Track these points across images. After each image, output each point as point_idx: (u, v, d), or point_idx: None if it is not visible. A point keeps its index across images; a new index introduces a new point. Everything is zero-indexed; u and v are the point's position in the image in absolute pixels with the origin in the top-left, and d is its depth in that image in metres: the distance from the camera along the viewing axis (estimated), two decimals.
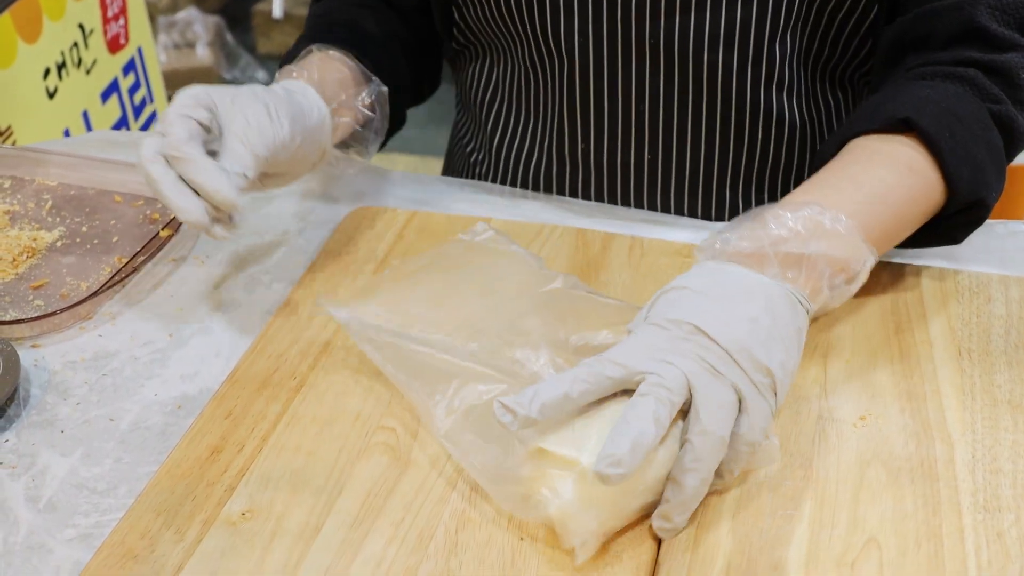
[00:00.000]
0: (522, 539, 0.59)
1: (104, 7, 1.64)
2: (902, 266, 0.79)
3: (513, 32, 0.88)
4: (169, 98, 1.95)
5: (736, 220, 0.67)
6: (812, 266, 0.64)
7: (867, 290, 0.76)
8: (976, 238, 0.82)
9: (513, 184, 0.96)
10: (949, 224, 0.74)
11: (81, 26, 1.58)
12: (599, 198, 0.93)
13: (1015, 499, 0.60)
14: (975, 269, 0.79)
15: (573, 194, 0.94)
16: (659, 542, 0.59)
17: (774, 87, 0.85)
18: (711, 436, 0.57)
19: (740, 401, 0.59)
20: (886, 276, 0.78)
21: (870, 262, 0.67)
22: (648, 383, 0.57)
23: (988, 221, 0.82)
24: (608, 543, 0.59)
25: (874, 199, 0.69)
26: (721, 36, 0.82)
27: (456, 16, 0.91)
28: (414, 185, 0.92)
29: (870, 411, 0.67)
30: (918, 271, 0.78)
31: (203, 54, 2.94)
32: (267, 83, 0.81)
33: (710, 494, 0.61)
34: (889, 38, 0.80)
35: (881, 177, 0.70)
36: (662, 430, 0.55)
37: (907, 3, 0.80)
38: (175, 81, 2.88)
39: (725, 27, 0.82)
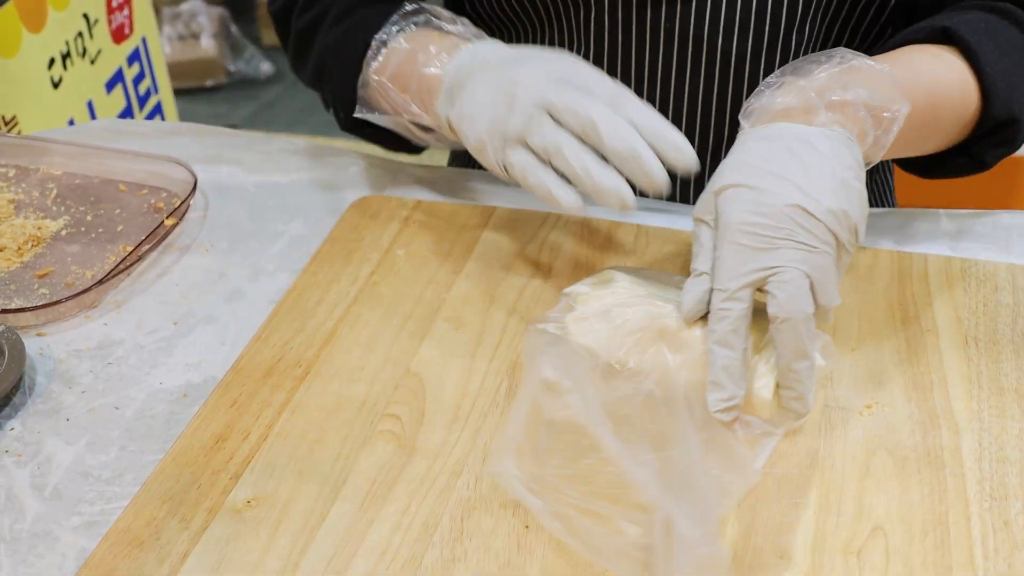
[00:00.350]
0: (527, 527, 0.59)
1: None
2: (909, 255, 0.78)
3: (524, 17, 0.87)
4: (174, 90, 1.94)
5: (770, 79, 0.66)
6: (855, 111, 0.64)
7: (873, 279, 0.76)
8: (983, 227, 0.81)
9: None
10: (981, 146, 0.74)
11: (85, 16, 1.58)
12: None
13: (1022, 487, 0.60)
14: (982, 258, 0.78)
15: None
16: None
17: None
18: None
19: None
20: (892, 264, 0.77)
21: (905, 108, 0.65)
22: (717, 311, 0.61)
23: (993, 210, 0.82)
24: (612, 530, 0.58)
25: (912, 75, 0.70)
26: (737, 22, 0.82)
27: (466, 1, 0.91)
28: (419, 174, 0.92)
29: (876, 400, 0.66)
30: (924, 259, 0.78)
31: (208, 45, 2.94)
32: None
33: None
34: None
35: (920, 63, 0.71)
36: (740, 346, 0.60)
37: None
38: (179, 72, 2.89)
39: (741, 13, 0.81)
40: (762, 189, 0.61)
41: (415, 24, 0.80)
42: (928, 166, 0.79)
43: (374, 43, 0.80)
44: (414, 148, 0.86)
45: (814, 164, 0.62)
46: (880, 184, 1.00)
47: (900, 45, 0.75)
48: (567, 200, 0.66)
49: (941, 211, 0.84)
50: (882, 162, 1.00)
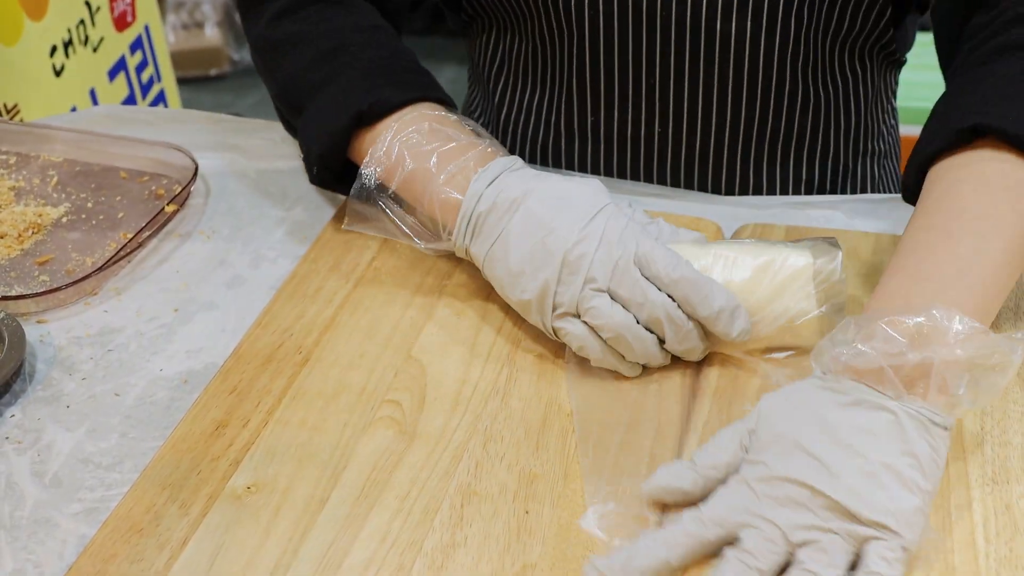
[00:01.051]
0: (527, 512, 0.59)
1: None
2: None
3: (523, 2, 0.87)
4: (177, 79, 1.93)
5: (846, 325, 0.59)
6: (939, 373, 0.56)
7: (874, 263, 0.76)
8: None
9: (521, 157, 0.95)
10: None
11: (88, 3, 1.58)
12: (607, 171, 0.92)
13: None
14: None
15: (582, 168, 0.93)
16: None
17: (788, 60, 0.84)
18: None
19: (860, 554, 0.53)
20: (892, 247, 0.77)
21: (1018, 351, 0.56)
22: (736, 549, 0.53)
23: None
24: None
25: (984, 272, 0.61)
26: (735, 5, 0.81)
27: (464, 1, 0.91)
28: None
29: None
30: None
31: (212, 34, 2.94)
32: None
33: None
34: (945, 10, 0.77)
35: (982, 235, 0.62)
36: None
37: None
38: (183, 61, 2.89)
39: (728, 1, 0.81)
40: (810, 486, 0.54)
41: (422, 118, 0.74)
42: None
43: (370, 125, 0.74)
44: None
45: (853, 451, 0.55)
46: (888, 171, 0.99)
47: (936, 154, 0.67)
48: (632, 374, 0.67)
49: None
50: (891, 149, 0.99)
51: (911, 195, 0.70)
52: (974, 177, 0.65)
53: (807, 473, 0.54)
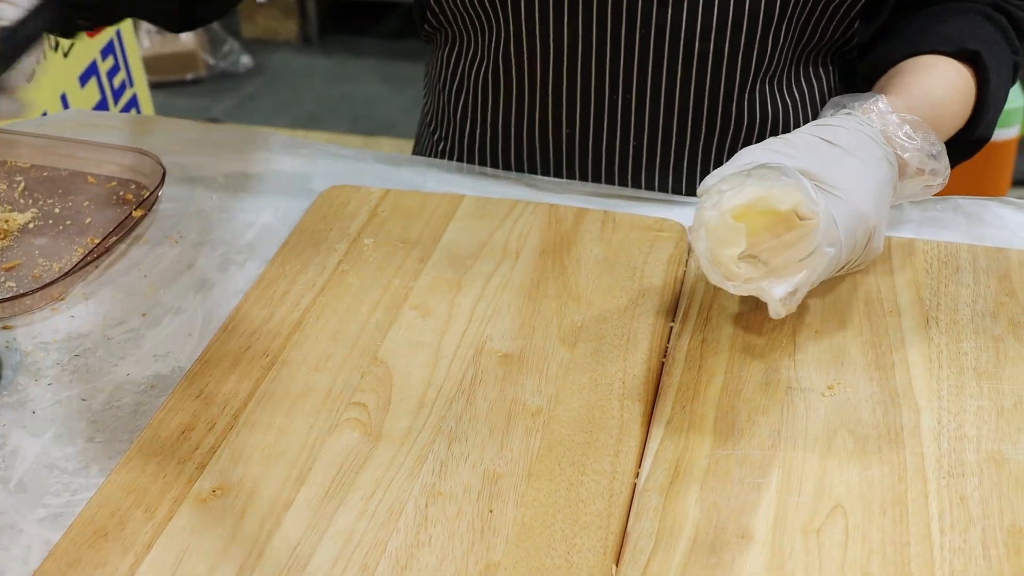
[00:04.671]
0: (491, 511, 0.59)
1: None
2: None
3: (492, 17, 0.86)
4: (153, 83, 1.93)
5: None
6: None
7: None
8: (945, 212, 0.82)
9: (494, 167, 0.95)
10: (951, 150, 0.79)
11: None
12: (576, 174, 0.92)
13: (978, 464, 0.61)
14: (944, 238, 0.79)
15: (555, 173, 0.93)
16: (629, 509, 0.60)
17: (760, 77, 0.85)
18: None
19: None
20: None
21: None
22: None
23: (955, 197, 0.84)
24: (576, 514, 0.59)
25: (928, 91, 0.77)
26: (714, 27, 0.82)
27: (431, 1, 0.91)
28: (387, 164, 0.92)
29: (839, 380, 0.67)
30: (888, 241, 0.78)
31: (186, 38, 2.93)
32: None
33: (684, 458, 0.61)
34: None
35: (939, 81, 0.78)
36: None
37: None
38: (159, 66, 2.88)
39: (718, 19, 0.81)
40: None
41: None
42: None
43: None
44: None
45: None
46: None
47: (932, 52, 0.79)
48: None
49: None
50: None
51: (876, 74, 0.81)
52: (954, 74, 0.79)
53: None
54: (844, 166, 0.69)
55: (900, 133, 0.73)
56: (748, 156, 0.68)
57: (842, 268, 0.70)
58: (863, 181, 0.68)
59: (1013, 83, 0.83)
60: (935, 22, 0.83)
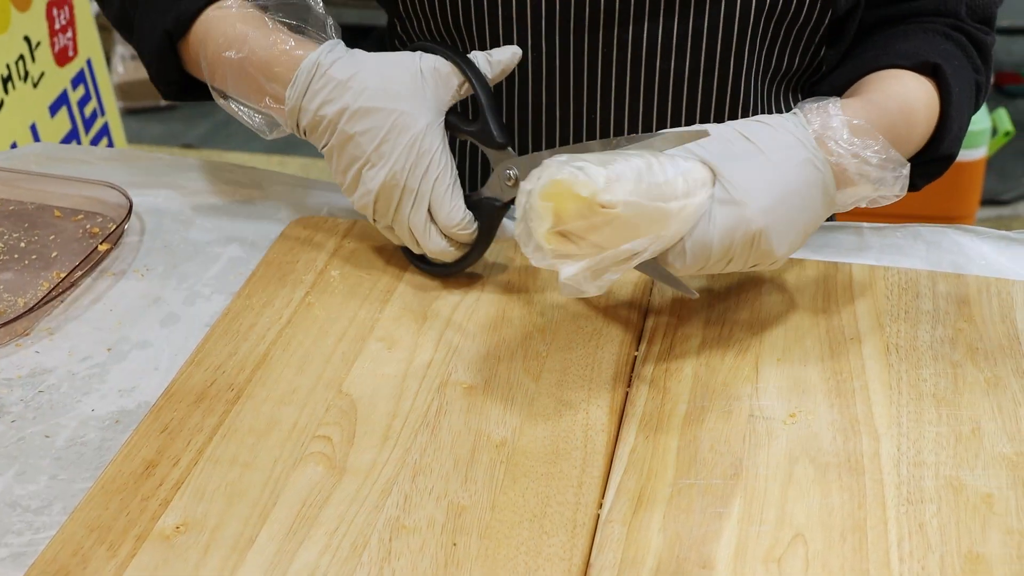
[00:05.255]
0: (455, 544, 0.60)
1: (51, 19, 1.63)
2: (833, 264, 0.80)
3: (458, 40, 0.87)
4: (127, 110, 1.92)
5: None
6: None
7: (798, 288, 0.78)
8: (905, 239, 0.83)
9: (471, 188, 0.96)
10: (915, 172, 0.78)
11: (27, 39, 1.57)
12: None
13: (937, 491, 0.62)
14: (904, 265, 0.80)
15: None
16: (592, 540, 0.60)
17: (727, 98, 0.86)
18: None
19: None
20: (818, 274, 0.79)
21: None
22: None
23: (915, 224, 0.84)
24: (540, 546, 0.59)
25: (888, 101, 0.76)
26: (674, 46, 0.83)
27: (399, 28, 0.91)
28: None
29: (800, 408, 0.68)
30: (849, 268, 0.79)
31: None
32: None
33: (646, 499, 0.62)
34: (868, 21, 0.85)
35: (900, 92, 0.77)
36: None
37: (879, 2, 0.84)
38: (133, 92, 2.88)
39: (678, 38, 0.82)
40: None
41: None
42: None
43: (183, 37, 0.80)
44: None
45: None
46: None
47: (892, 66, 0.79)
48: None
49: (864, 224, 0.86)
50: None
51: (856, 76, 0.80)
52: (916, 86, 0.78)
53: None
54: (748, 164, 0.68)
55: (839, 138, 0.70)
56: (650, 140, 0.69)
57: (729, 264, 0.69)
58: (763, 182, 0.67)
59: (978, 102, 0.84)
60: (893, 40, 0.83)
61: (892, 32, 0.84)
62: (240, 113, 0.82)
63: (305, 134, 0.78)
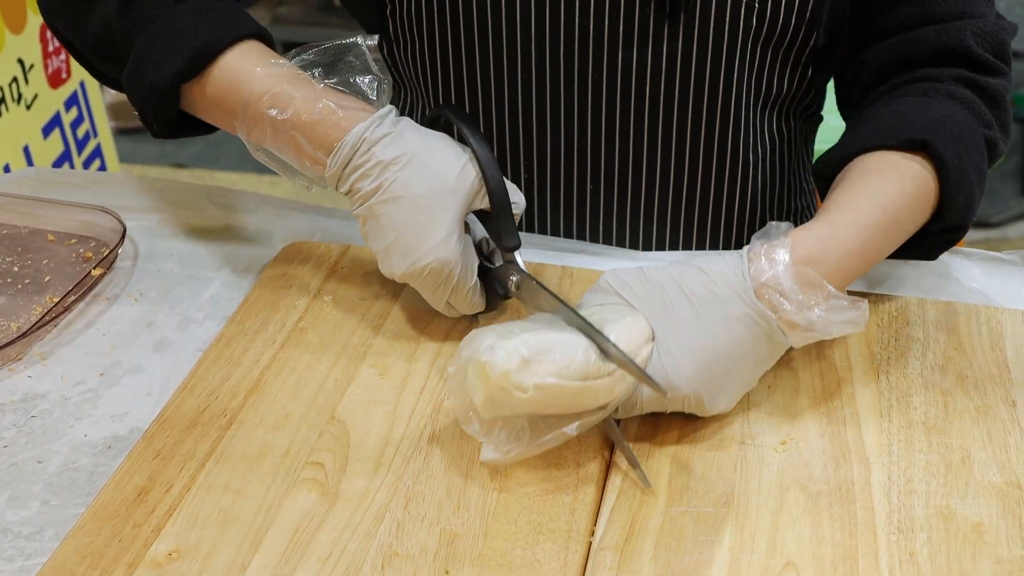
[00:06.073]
0: (447, 572, 0.60)
1: (45, 42, 1.64)
2: None
3: (452, 71, 0.88)
4: (120, 130, 1.92)
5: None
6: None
7: None
8: (894, 266, 0.84)
9: None
10: (929, 241, 0.78)
11: (20, 61, 1.58)
12: (533, 226, 0.94)
13: (927, 519, 0.62)
14: (895, 294, 0.81)
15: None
16: (584, 567, 0.60)
17: (717, 123, 0.87)
18: None
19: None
20: None
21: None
22: None
23: None
24: (531, 569, 0.59)
25: (879, 197, 0.73)
26: (663, 71, 0.83)
27: (384, 51, 0.92)
28: (348, 220, 0.93)
29: (791, 435, 0.68)
30: None
31: None
32: None
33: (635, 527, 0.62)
34: (872, 61, 0.84)
35: (888, 182, 0.74)
36: None
37: (883, 30, 0.83)
38: (126, 112, 2.88)
39: (667, 62, 0.83)
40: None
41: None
42: None
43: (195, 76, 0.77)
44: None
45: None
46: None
47: (878, 148, 0.76)
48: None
49: None
50: (809, 205, 1.02)
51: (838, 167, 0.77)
52: (903, 169, 0.75)
53: None
54: (679, 324, 0.66)
55: (783, 288, 0.66)
56: (589, 296, 0.70)
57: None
58: (690, 347, 0.65)
59: (993, 158, 0.80)
60: (887, 109, 0.80)
61: (892, 98, 0.81)
62: (279, 166, 0.79)
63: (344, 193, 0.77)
